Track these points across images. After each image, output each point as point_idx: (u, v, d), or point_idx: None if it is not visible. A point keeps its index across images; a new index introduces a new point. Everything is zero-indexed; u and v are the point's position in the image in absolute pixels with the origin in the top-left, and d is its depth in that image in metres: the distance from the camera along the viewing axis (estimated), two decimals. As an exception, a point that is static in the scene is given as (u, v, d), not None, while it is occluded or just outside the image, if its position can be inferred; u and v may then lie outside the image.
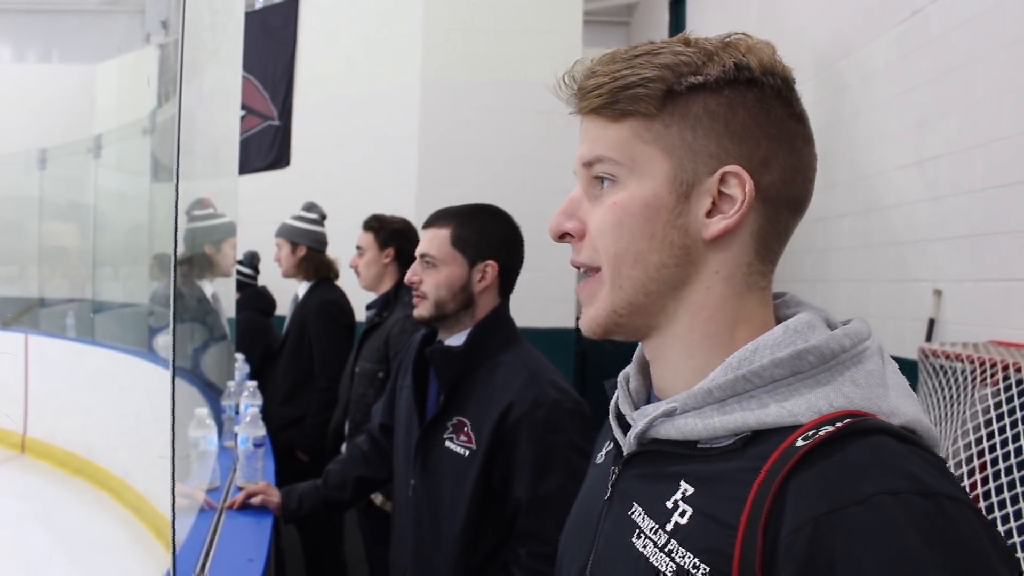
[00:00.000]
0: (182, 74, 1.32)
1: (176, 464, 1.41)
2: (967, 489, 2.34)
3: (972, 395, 2.48)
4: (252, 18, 6.01)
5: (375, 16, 5.74)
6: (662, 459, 0.75)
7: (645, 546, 0.72)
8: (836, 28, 4.27)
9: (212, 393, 2.77)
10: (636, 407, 0.82)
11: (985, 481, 2.28)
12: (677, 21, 6.47)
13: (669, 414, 0.75)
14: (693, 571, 0.67)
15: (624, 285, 0.76)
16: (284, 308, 4.25)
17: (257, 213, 5.41)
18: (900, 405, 0.69)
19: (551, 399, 1.69)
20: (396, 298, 3.01)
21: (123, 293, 5.86)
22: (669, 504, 0.71)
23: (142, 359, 4.37)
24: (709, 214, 0.74)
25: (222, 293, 3.32)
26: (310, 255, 3.64)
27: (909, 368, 3.13)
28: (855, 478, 0.61)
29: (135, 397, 4.06)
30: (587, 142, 0.78)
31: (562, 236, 0.80)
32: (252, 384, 2.79)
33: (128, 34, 8.72)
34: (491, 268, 1.81)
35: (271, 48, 6.21)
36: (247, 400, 2.69)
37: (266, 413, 2.69)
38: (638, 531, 0.74)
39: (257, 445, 2.17)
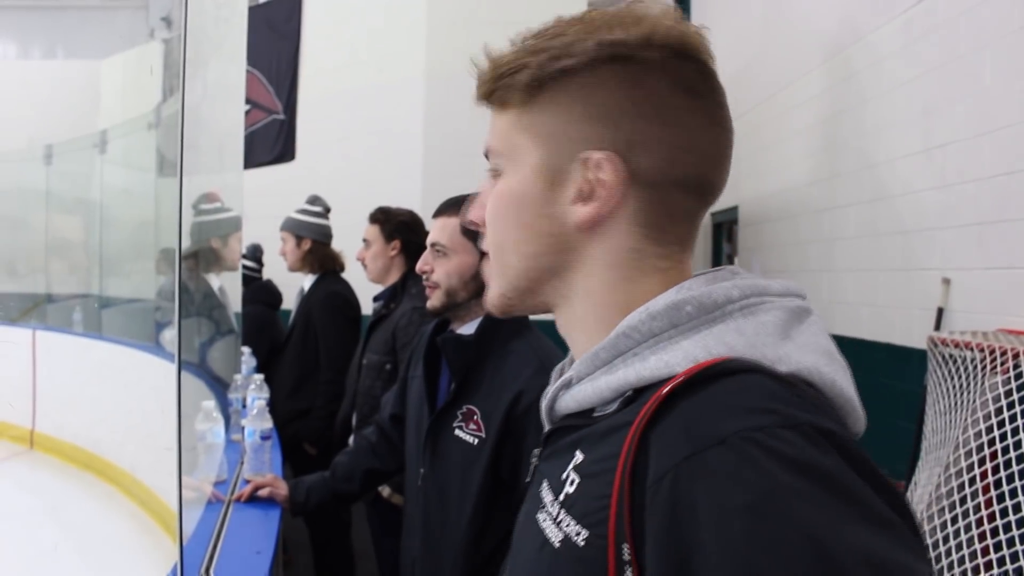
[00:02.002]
0: (185, 69, 1.32)
1: (183, 457, 1.41)
2: (976, 479, 2.32)
3: (982, 384, 2.47)
4: (257, 13, 6.00)
5: (379, 10, 5.74)
6: (567, 432, 0.73)
7: (544, 520, 0.70)
8: (844, 14, 4.24)
9: (219, 386, 2.77)
10: None
11: (996, 470, 2.27)
12: (682, 11, 6.43)
13: (567, 385, 0.74)
14: (575, 538, 0.64)
15: (506, 272, 0.77)
16: (289, 302, 4.25)
17: (262, 207, 5.41)
18: (793, 354, 0.65)
19: None
20: (403, 289, 3.01)
21: (129, 288, 5.87)
22: (563, 475, 0.69)
23: (149, 353, 4.38)
24: (577, 201, 0.71)
25: (229, 287, 3.33)
26: (315, 248, 3.64)
27: (918, 357, 3.12)
28: (716, 418, 0.57)
29: (142, 391, 4.07)
30: (488, 132, 0.78)
31: (470, 223, 0.82)
32: (259, 377, 2.79)
33: (132, 29, 8.73)
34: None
35: (276, 43, 6.21)
36: (254, 393, 2.70)
37: (272, 406, 2.69)
38: (541, 506, 0.71)
39: (264, 438, 2.17)
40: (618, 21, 0.71)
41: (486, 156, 0.79)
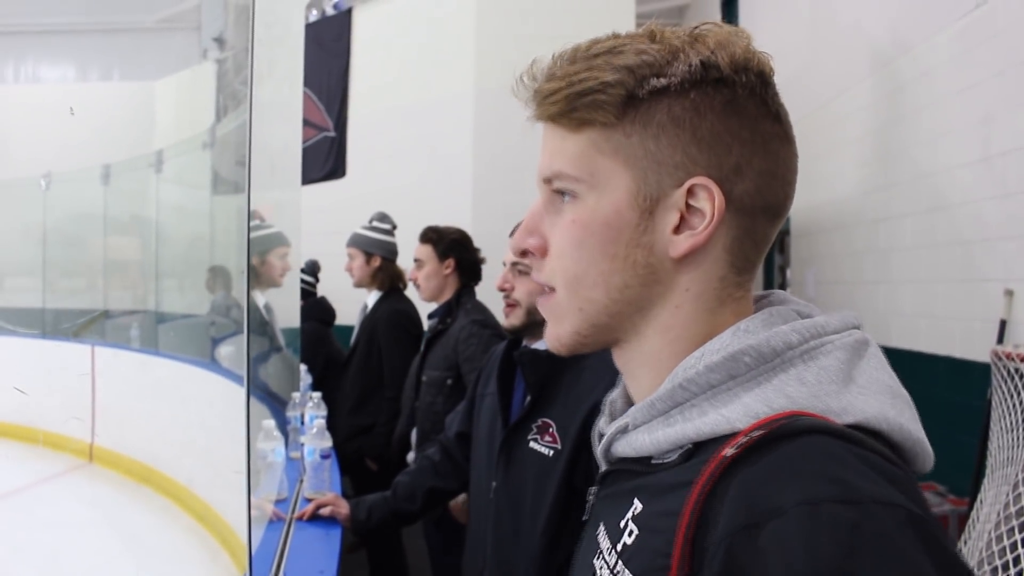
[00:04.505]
0: (252, 91, 1.34)
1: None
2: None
3: (1050, 399, 2.40)
4: (307, 31, 6.09)
5: (428, 26, 5.79)
6: (625, 477, 0.71)
7: (601, 567, 0.68)
8: (894, 24, 4.18)
9: (276, 404, 2.80)
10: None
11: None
12: (729, 22, 6.39)
13: (623, 430, 0.71)
14: None
15: (585, 307, 0.71)
16: (346, 317, 4.29)
17: (313, 224, 5.48)
18: (856, 402, 0.62)
19: None
20: (458, 305, 3.03)
21: (184, 304, 5.98)
22: (622, 523, 0.67)
23: (205, 369, 4.45)
24: (676, 230, 0.68)
25: (276, 304, 3.36)
26: (384, 265, 3.66)
27: (981, 371, 3.05)
28: (776, 487, 0.55)
29: (198, 406, 4.13)
30: (546, 154, 0.72)
31: (524, 253, 0.75)
32: (317, 395, 2.82)
33: (185, 51, 8.92)
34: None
35: (325, 60, 6.29)
36: (312, 411, 2.72)
37: (333, 422, 2.72)
38: (598, 552, 0.70)
39: (324, 456, 2.19)
40: (698, 41, 0.68)
41: (546, 181, 0.73)
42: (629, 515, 0.67)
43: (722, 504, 0.57)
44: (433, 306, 3.16)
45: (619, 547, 0.67)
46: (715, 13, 6.69)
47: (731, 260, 0.69)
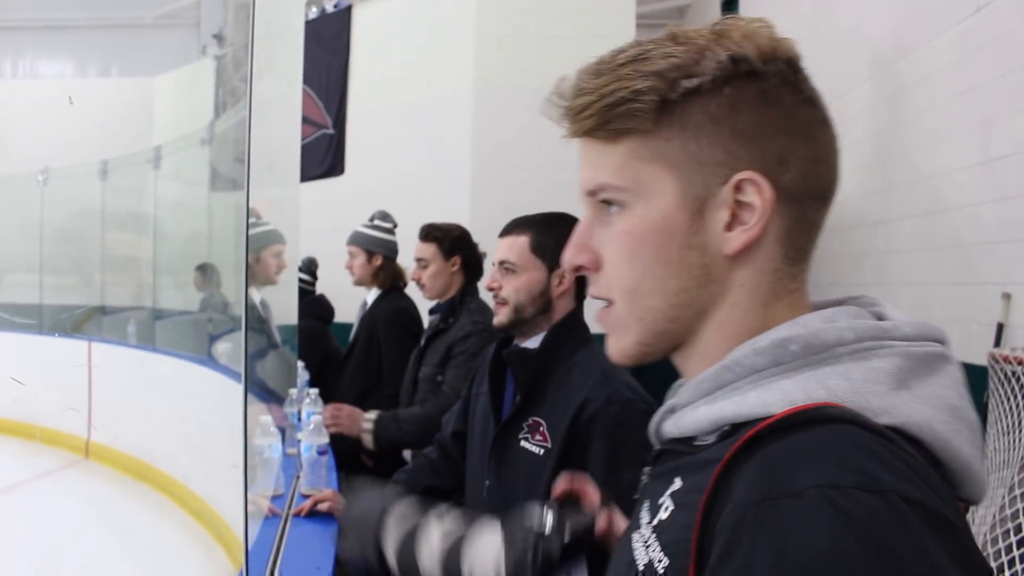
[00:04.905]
0: (252, 87, 1.34)
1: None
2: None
3: (1047, 402, 2.41)
4: (306, 28, 6.08)
5: (427, 24, 5.78)
6: (671, 457, 0.73)
7: (636, 541, 0.70)
8: (894, 27, 4.18)
9: (272, 400, 2.80)
10: None
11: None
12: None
13: (671, 411, 0.73)
14: (657, 565, 0.64)
15: (645, 317, 0.71)
16: (344, 315, 4.28)
17: (311, 221, 5.48)
18: (901, 406, 0.61)
19: (624, 398, 1.70)
20: (462, 304, 3.02)
21: (182, 301, 5.98)
22: (661, 500, 0.69)
23: (202, 366, 4.45)
24: (728, 227, 0.68)
25: (273, 301, 3.35)
26: (386, 264, 3.66)
27: (978, 375, 3.05)
28: (797, 467, 0.55)
29: (195, 403, 4.13)
30: (587, 168, 0.73)
31: (578, 268, 0.76)
32: (314, 391, 2.82)
33: (184, 47, 8.91)
34: (569, 274, 1.83)
35: (325, 57, 6.28)
36: (309, 408, 2.72)
37: None
38: (638, 527, 0.71)
39: (321, 453, 2.19)
40: (723, 37, 0.68)
41: (591, 194, 0.73)
42: (668, 492, 0.68)
43: (739, 478, 0.58)
44: (433, 303, 3.16)
45: (655, 522, 0.68)
46: (715, 13, 6.68)
47: (784, 251, 0.70)
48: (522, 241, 1.86)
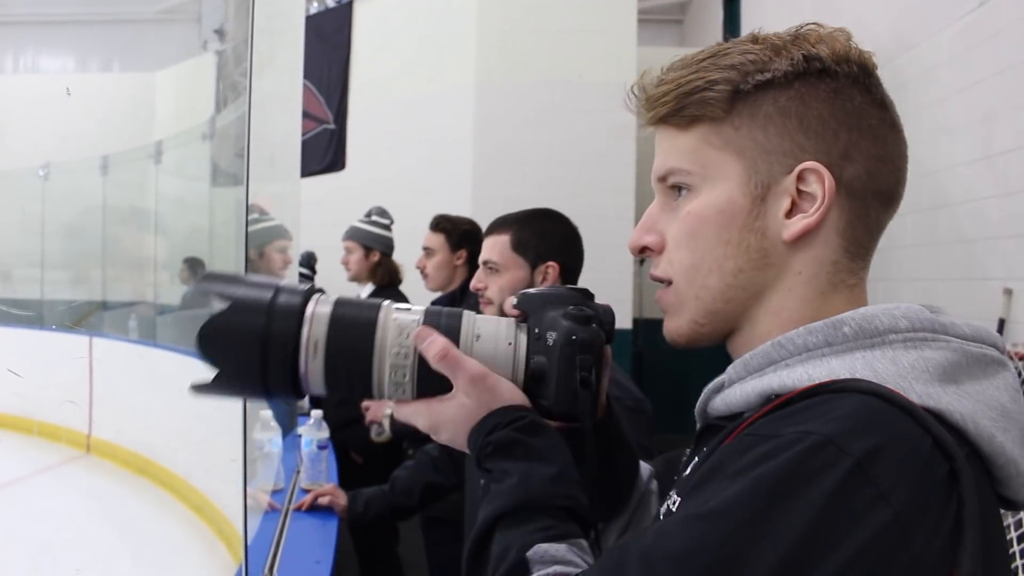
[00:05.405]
0: (252, 82, 1.33)
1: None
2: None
3: (1048, 398, 2.41)
4: (307, 23, 6.07)
5: (429, 19, 5.77)
6: (714, 433, 0.73)
7: (662, 510, 0.73)
8: (895, 22, 4.17)
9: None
10: None
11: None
12: (731, 18, 6.39)
13: (718, 388, 0.74)
14: (672, 507, 0.67)
15: (701, 295, 0.73)
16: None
17: (312, 216, 5.48)
18: (944, 395, 0.61)
19: (611, 395, 1.69)
20: (462, 298, 3.01)
21: (183, 295, 5.97)
22: (693, 466, 0.72)
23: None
24: (788, 214, 0.70)
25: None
26: (383, 260, 3.66)
27: (979, 370, 3.05)
28: (806, 420, 0.58)
29: (195, 398, 4.13)
30: (660, 154, 0.76)
31: (642, 250, 0.77)
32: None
33: (185, 42, 8.91)
34: (552, 269, 1.83)
35: (326, 53, 6.28)
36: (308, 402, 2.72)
37: (323, 414, 2.71)
38: (667, 499, 0.74)
39: (321, 447, 2.19)
40: (799, 39, 0.72)
41: (661, 179, 0.76)
42: (697, 463, 0.72)
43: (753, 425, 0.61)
44: (433, 296, 3.15)
45: (680, 479, 0.73)
46: (717, 10, 6.68)
47: (844, 244, 0.71)
48: (503, 240, 1.85)
